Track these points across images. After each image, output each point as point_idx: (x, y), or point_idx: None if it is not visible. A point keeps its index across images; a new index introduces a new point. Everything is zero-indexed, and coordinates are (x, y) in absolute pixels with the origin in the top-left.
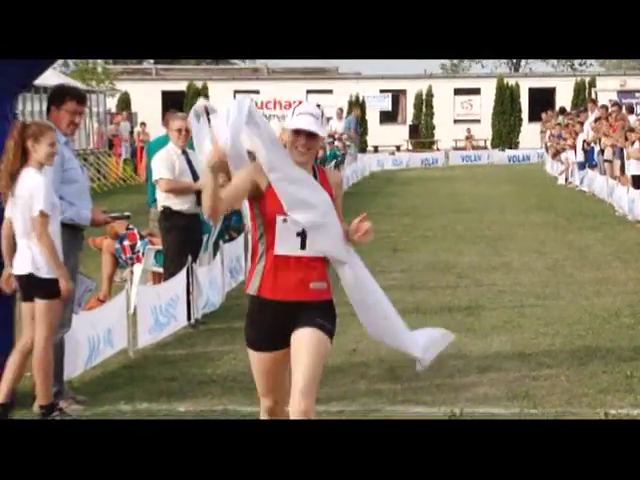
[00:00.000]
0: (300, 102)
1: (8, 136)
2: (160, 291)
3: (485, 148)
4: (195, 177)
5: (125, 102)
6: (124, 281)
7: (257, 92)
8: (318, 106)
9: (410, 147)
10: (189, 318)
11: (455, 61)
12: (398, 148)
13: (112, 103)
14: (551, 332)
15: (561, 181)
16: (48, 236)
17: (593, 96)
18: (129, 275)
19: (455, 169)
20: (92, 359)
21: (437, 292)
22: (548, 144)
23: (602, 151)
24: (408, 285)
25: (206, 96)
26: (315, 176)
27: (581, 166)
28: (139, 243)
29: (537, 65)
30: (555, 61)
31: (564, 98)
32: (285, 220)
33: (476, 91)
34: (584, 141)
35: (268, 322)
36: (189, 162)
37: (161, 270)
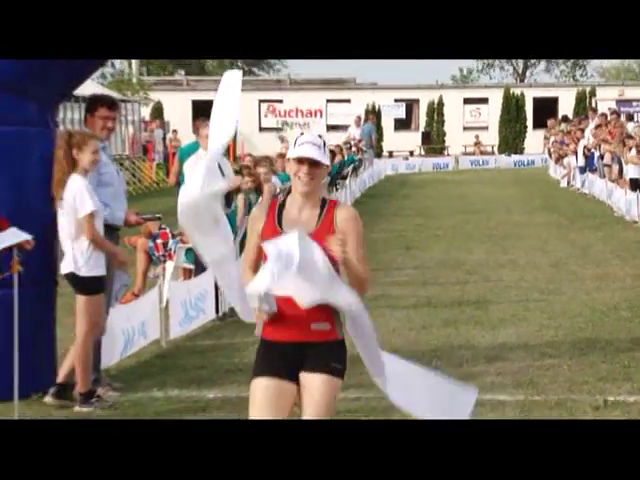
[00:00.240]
0: (302, 133)
1: (57, 146)
2: (190, 286)
3: (492, 153)
4: None
5: (158, 111)
6: (157, 277)
7: (280, 101)
8: (320, 136)
9: (422, 152)
10: (217, 311)
11: (464, 72)
12: (411, 153)
13: (146, 112)
14: (554, 325)
15: (563, 184)
16: (97, 231)
17: (593, 105)
18: (161, 271)
19: (464, 173)
20: (127, 349)
21: (447, 287)
22: (551, 149)
23: (602, 156)
24: (421, 281)
25: None
26: (322, 207)
27: (582, 170)
28: (171, 242)
29: (541, 76)
30: (558, 72)
31: (566, 107)
32: None
33: (484, 100)
34: (585, 147)
35: (276, 360)
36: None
37: (191, 267)
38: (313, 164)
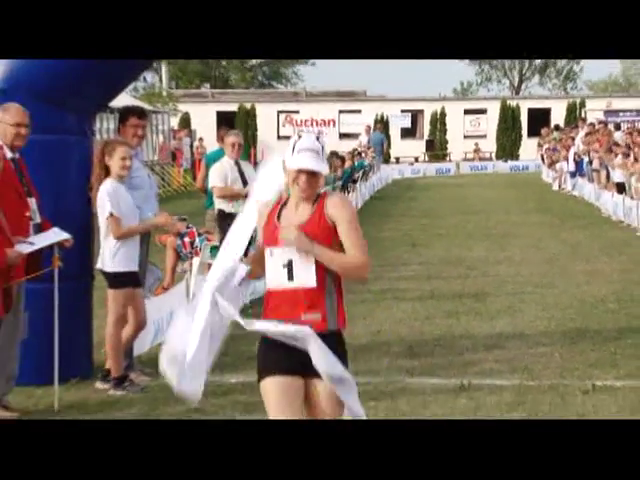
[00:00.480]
0: (300, 136)
1: (94, 154)
2: None
3: (490, 159)
4: (245, 184)
5: (186, 121)
6: (184, 272)
7: (297, 112)
8: (317, 139)
9: (427, 159)
10: None
11: (465, 85)
12: (416, 159)
13: (175, 122)
14: (547, 316)
15: (555, 187)
16: (120, 229)
17: (583, 115)
18: (188, 267)
19: (465, 177)
20: (157, 338)
21: (449, 281)
22: (544, 156)
23: (590, 162)
24: (425, 275)
25: (253, 115)
26: (315, 201)
27: (572, 175)
28: (197, 240)
29: (535, 89)
30: (551, 85)
31: (558, 117)
32: (272, 253)
33: (483, 111)
34: (575, 153)
35: (282, 359)
36: (241, 172)
37: None
38: (312, 173)
